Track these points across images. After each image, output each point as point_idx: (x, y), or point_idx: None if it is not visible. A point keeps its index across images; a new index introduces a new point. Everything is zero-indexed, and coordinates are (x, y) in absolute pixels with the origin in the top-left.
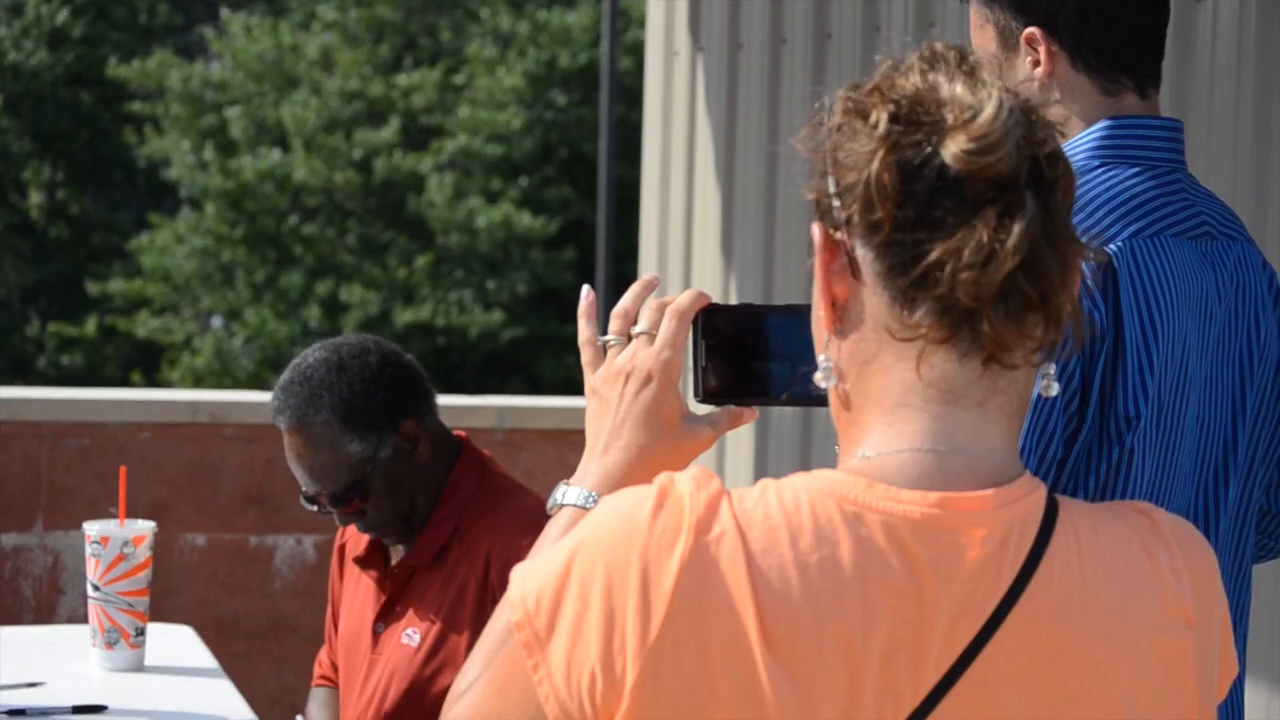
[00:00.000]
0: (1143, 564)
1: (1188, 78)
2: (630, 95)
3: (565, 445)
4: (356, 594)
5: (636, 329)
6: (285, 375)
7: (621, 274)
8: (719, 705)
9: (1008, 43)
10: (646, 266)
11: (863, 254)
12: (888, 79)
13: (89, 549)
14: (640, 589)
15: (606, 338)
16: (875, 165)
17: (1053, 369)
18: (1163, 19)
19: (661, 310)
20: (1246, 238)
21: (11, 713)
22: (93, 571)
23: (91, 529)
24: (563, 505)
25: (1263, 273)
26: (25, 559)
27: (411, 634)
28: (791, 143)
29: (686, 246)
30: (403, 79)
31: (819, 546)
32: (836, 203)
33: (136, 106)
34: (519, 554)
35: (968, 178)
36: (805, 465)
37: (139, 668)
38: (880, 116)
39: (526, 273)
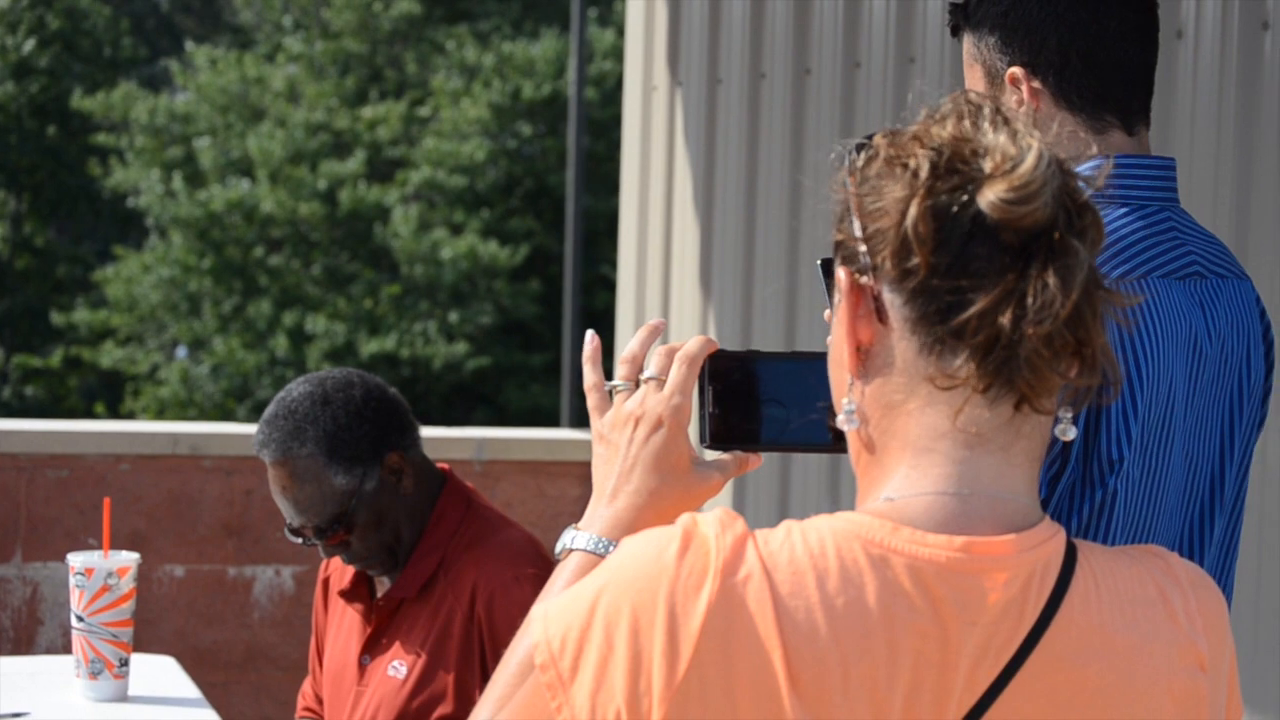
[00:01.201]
0: (1158, 608)
1: (1169, 114)
2: (595, 127)
3: (543, 476)
4: (341, 626)
5: (645, 374)
6: (270, 409)
7: (588, 305)
8: None
9: (994, 81)
10: (625, 299)
11: (891, 299)
12: (924, 127)
13: (73, 580)
14: (667, 630)
15: (614, 383)
16: (913, 212)
17: (1069, 413)
18: (1149, 55)
19: (670, 355)
20: (1239, 274)
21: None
22: (77, 603)
23: (75, 560)
24: (571, 550)
25: (1255, 308)
26: (4, 590)
27: (398, 666)
28: (802, 179)
29: (665, 280)
30: (368, 111)
31: (845, 589)
32: (864, 247)
33: (101, 138)
34: (504, 587)
35: (1004, 226)
36: (833, 507)
37: (123, 698)
38: (920, 164)
39: (491, 304)
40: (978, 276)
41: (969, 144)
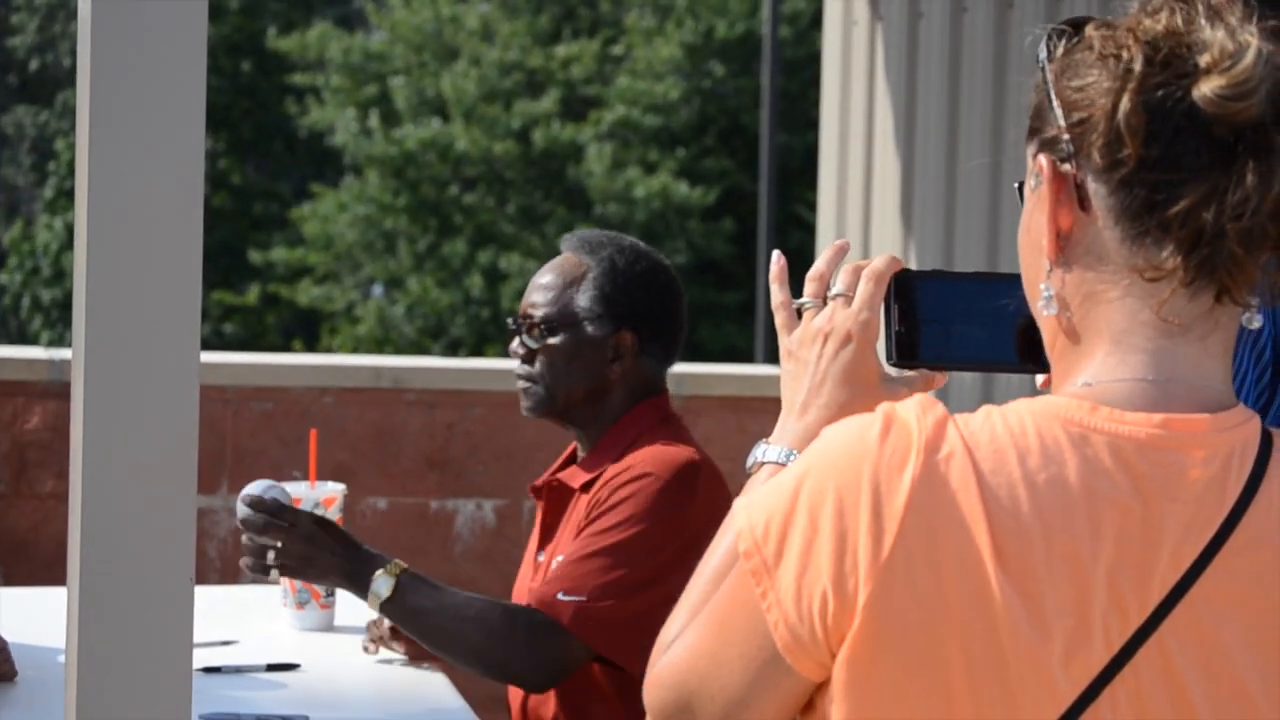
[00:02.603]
0: None
1: None
2: (788, 65)
3: (743, 412)
4: (534, 527)
5: (833, 291)
6: (611, 230)
7: (782, 244)
8: (951, 620)
9: None
10: (824, 235)
11: (1095, 188)
12: (1137, 19)
13: None
14: (872, 508)
15: (802, 301)
16: (1125, 104)
17: (1255, 301)
18: None
19: (857, 273)
20: None
21: (208, 670)
22: None
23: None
24: (763, 463)
25: None
26: (211, 521)
27: (561, 560)
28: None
29: (865, 216)
30: (561, 50)
31: (1046, 465)
32: (1066, 135)
33: (298, 77)
34: (644, 480)
35: (1217, 120)
36: None
37: (329, 628)
38: (1134, 56)
39: (684, 243)
40: (1186, 170)
41: (1183, 38)
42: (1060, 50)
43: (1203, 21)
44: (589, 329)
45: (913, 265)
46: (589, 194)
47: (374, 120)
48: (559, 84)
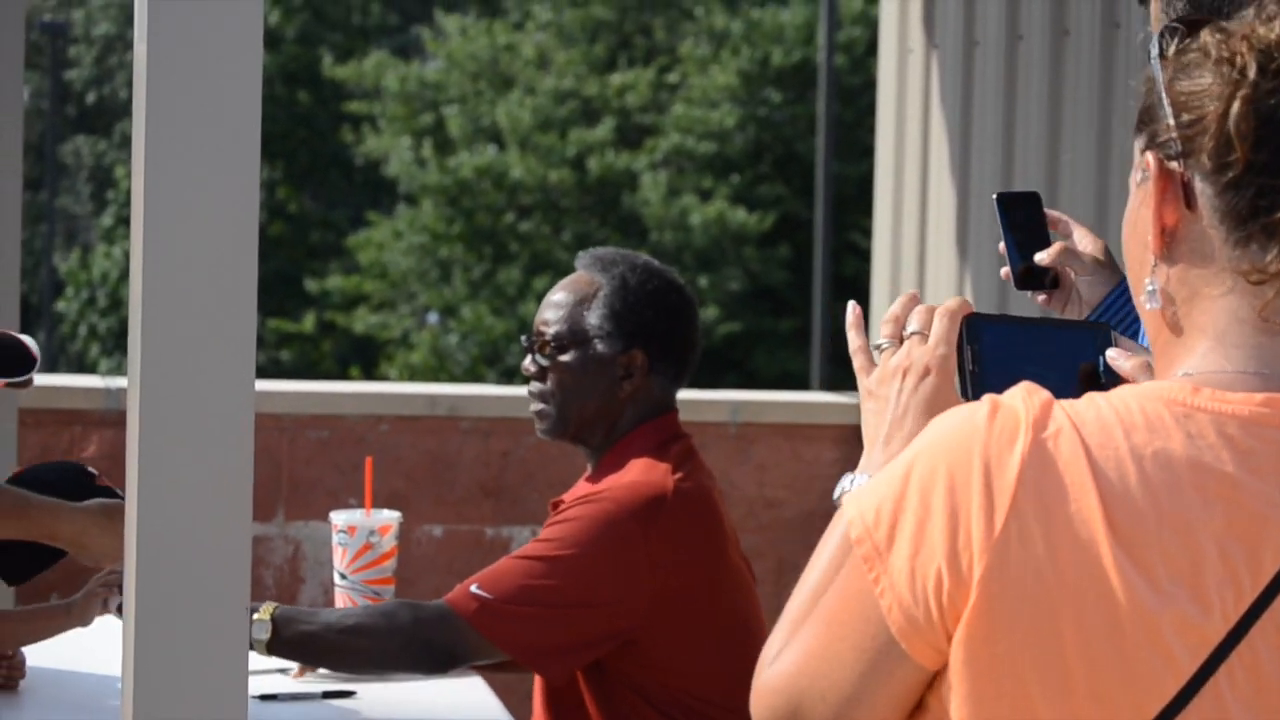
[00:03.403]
0: None
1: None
2: (844, 93)
3: (798, 439)
4: None
5: (908, 330)
6: (625, 249)
7: (837, 271)
8: (1065, 592)
9: None
10: (880, 264)
11: (1202, 188)
12: (1251, 27)
13: (336, 538)
14: (983, 485)
15: (879, 342)
16: (1236, 109)
17: None
18: None
19: (930, 312)
20: None
21: (264, 697)
22: (340, 560)
23: (338, 518)
24: (850, 492)
25: None
26: (267, 548)
27: None
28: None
29: (920, 244)
30: (617, 78)
31: (1151, 440)
32: (1175, 135)
33: (354, 106)
34: (601, 503)
35: None
36: None
37: None
38: (1247, 63)
39: (740, 269)
40: None
41: None
42: (1173, 49)
43: None
44: (599, 346)
45: (968, 292)
46: (644, 221)
47: (427, 149)
48: (614, 112)
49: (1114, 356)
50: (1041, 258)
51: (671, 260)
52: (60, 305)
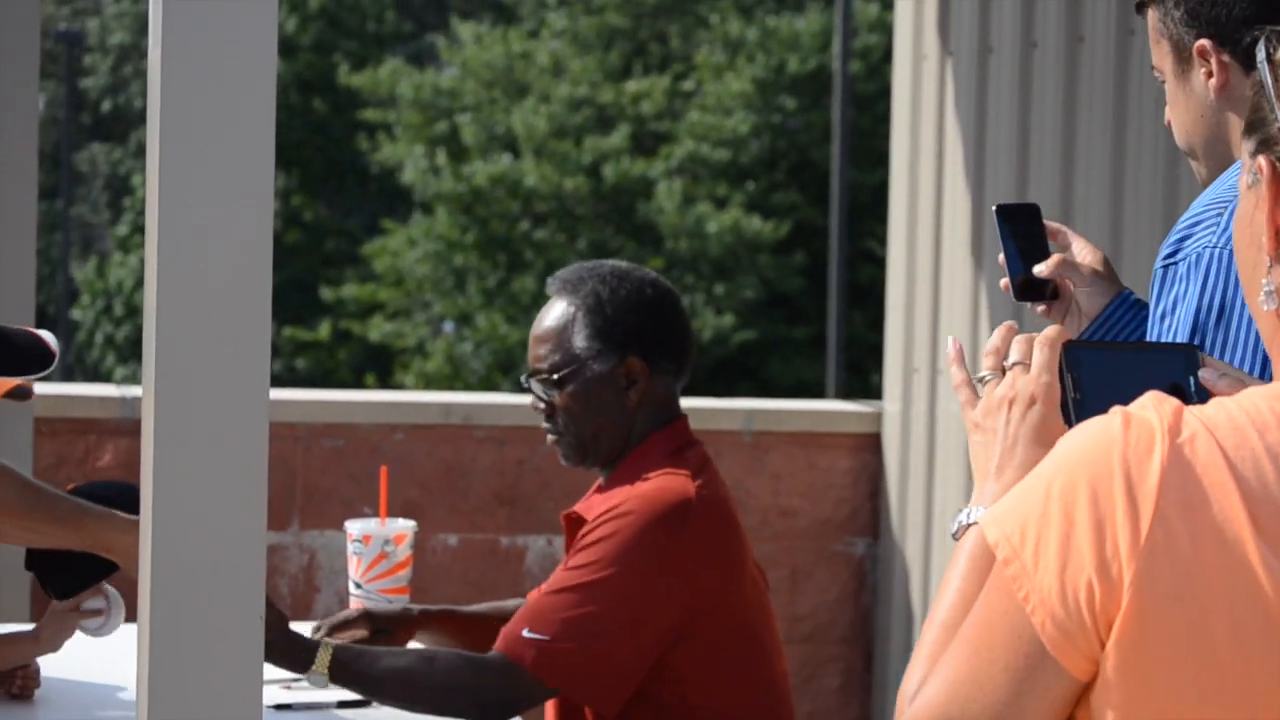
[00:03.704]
0: None
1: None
2: (859, 100)
3: (813, 448)
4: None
5: (1010, 361)
6: (590, 260)
7: (853, 279)
8: (1214, 592)
9: (1182, 55)
10: (895, 271)
11: None
12: None
13: (351, 547)
14: (1126, 492)
15: (982, 374)
16: None
17: None
18: None
19: (1029, 342)
20: None
21: (279, 707)
22: (354, 569)
23: (353, 527)
24: (968, 524)
25: None
26: (282, 557)
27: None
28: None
29: (935, 251)
30: (632, 85)
31: None
32: None
33: (369, 114)
34: (629, 518)
35: None
36: None
37: None
38: None
39: (755, 277)
40: None
41: None
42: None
43: None
44: (595, 367)
45: (983, 299)
46: (660, 229)
47: (441, 157)
48: (629, 119)
49: (1206, 377)
50: (1040, 269)
51: (687, 268)
52: (76, 314)
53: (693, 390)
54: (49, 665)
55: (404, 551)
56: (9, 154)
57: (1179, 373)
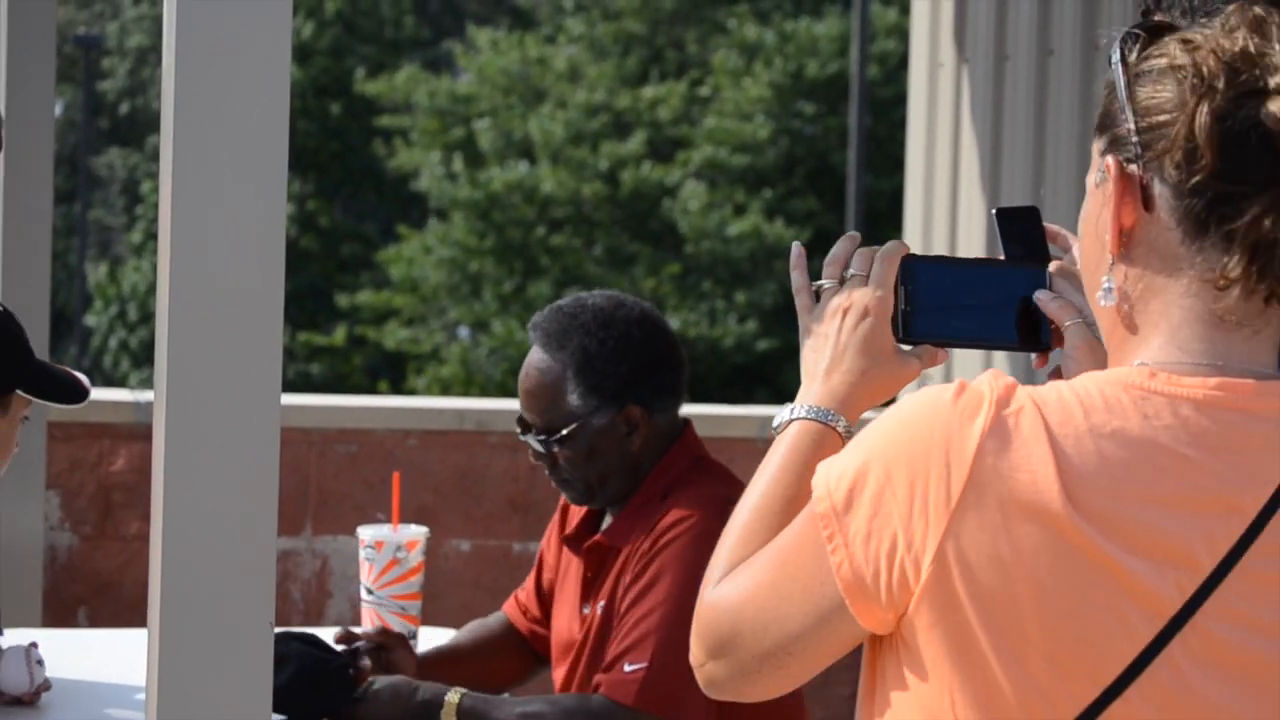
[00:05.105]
0: None
1: None
2: (877, 106)
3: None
4: (567, 574)
5: (849, 273)
6: (567, 299)
7: None
8: (1021, 561)
9: None
10: None
11: (1161, 191)
12: (1215, 39)
13: (363, 553)
14: (943, 455)
15: (821, 282)
16: (1201, 116)
17: None
18: None
19: (870, 256)
20: None
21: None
22: (366, 575)
23: (365, 533)
24: (790, 420)
25: None
26: (294, 562)
27: (617, 614)
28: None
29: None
30: (649, 91)
31: (1110, 419)
32: (1135, 139)
33: (385, 120)
34: (685, 522)
35: None
36: None
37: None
38: (1214, 74)
39: (774, 284)
40: (1251, 183)
41: (1257, 60)
42: (1134, 55)
43: (1277, 45)
44: (594, 422)
45: None
46: (682, 234)
47: (457, 163)
48: (646, 125)
49: (1040, 296)
50: None
51: (705, 274)
52: (90, 319)
53: (708, 397)
54: (58, 668)
55: (416, 558)
56: (26, 158)
57: (1024, 290)
